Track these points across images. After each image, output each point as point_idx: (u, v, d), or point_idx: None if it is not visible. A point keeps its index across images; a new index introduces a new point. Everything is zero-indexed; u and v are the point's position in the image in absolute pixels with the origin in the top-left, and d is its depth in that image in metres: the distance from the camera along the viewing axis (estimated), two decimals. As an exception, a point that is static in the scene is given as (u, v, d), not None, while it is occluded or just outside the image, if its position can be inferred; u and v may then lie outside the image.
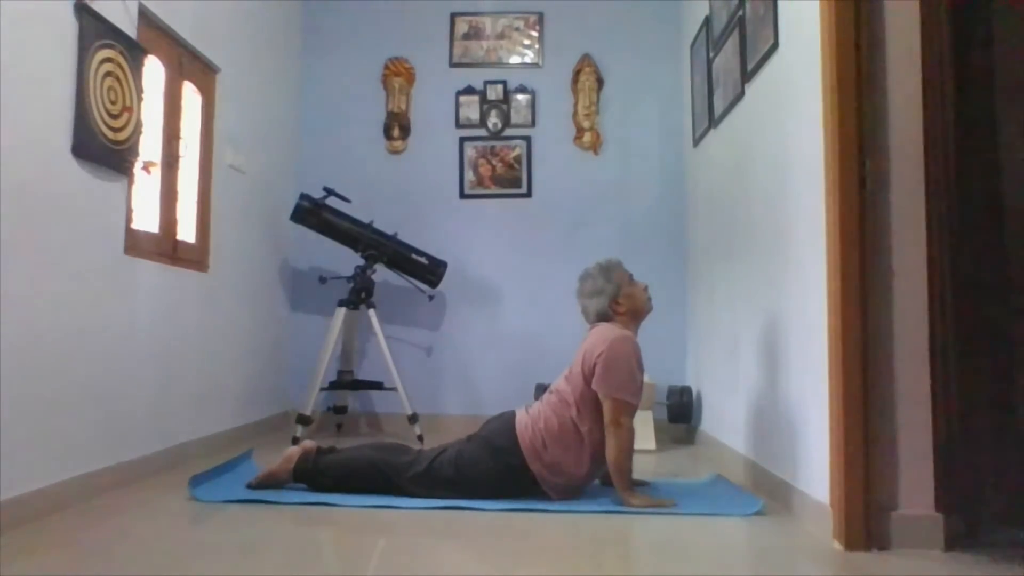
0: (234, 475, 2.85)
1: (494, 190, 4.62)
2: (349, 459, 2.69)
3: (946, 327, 2.08)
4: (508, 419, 2.67)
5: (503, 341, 4.51)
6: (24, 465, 2.23)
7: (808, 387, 2.36)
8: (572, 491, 2.62)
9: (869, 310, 2.08)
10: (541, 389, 3.57)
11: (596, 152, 4.60)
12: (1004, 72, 2.14)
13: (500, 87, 4.64)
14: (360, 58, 4.70)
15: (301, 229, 4.17)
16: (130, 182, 2.85)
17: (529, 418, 2.63)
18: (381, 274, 4.20)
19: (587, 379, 2.58)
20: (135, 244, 2.89)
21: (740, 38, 3.12)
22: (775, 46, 2.69)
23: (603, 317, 2.74)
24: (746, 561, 2.09)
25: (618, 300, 2.73)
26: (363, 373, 4.41)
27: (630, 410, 2.58)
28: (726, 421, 3.47)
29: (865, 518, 2.02)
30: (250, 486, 2.64)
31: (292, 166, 4.60)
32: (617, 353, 2.57)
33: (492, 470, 2.56)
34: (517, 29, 4.71)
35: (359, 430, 4.47)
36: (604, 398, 2.55)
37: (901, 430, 2.08)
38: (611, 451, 2.53)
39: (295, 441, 3.63)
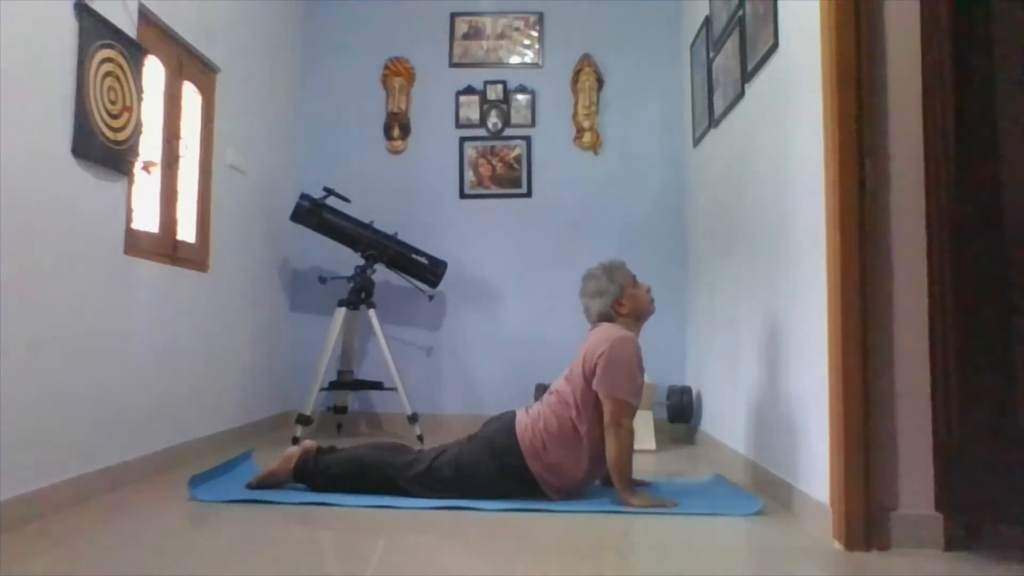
0: (234, 475, 2.85)
1: (494, 190, 4.62)
2: (349, 459, 2.70)
3: (946, 327, 2.08)
4: (508, 420, 2.67)
5: (503, 341, 4.51)
6: (24, 465, 2.23)
7: (808, 387, 2.36)
8: (572, 492, 2.62)
9: (869, 310, 2.08)
10: (541, 389, 3.57)
11: (596, 152, 4.60)
12: (1004, 72, 2.14)
13: (500, 87, 4.64)
14: (360, 58, 4.70)
15: (301, 229, 4.17)
16: (130, 182, 2.85)
17: (529, 419, 2.63)
18: (381, 274, 4.20)
19: (587, 379, 2.58)
20: (135, 244, 2.89)
21: (740, 38, 3.12)
22: (775, 46, 2.69)
23: (605, 317, 2.73)
24: (746, 561, 2.09)
25: (621, 301, 2.72)
26: (363, 373, 4.41)
27: (630, 410, 2.58)
28: (726, 421, 3.47)
29: (865, 518, 2.02)
30: (250, 486, 2.64)
31: (292, 166, 4.59)
32: (618, 353, 2.57)
33: (492, 471, 2.56)
34: (517, 29, 4.71)
35: (359, 430, 4.46)
36: (604, 398, 2.55)
37: (901, 430, 2.08)
38: (611, 451, 2.53)
39: (295, 441, 3.63)
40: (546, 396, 2.71)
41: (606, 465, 2.57)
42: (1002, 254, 2.10)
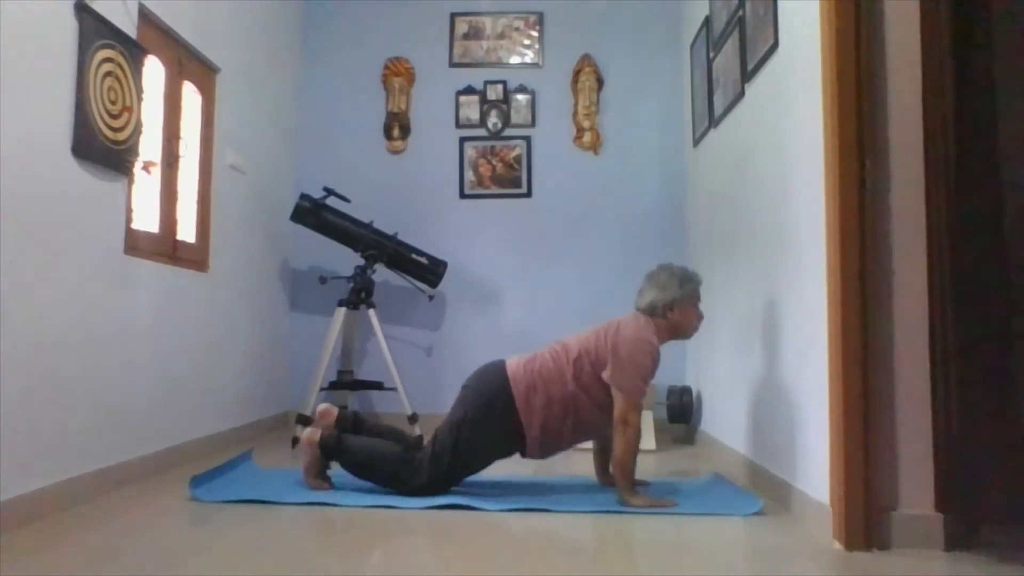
0: (234, 475, 2.85)
1: (494, 190, 4.62)
2: (368, 449, 2.72)
3: (946, 327, 2.08)
4: (498, 364, 2.76)
5: (503, 341, 4.49)
6: (24, 465, 2.23)
7: (808, 387, 2.36)
8: (549, 448, 2.72)
9: (869, 310, 2.08)
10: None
11: (596, 152, 4.60)
12: (1004, 72, 2.14)
13: (500, 87, 4.64)
14: (360, 58, 4.70)
15: (301, 229, 4.17)
16: (130, 182, 2.85)
17: (522, 361, 2.72)
18: (381, 274, 4.20)
19: (597, 356, 2.64)
20: (135, 244, 2.89)
21: (740, 38, 3.12)
22: (775, 46, 2.69)
23: (650, 310, 2.74)
24: (746, 561, 2.09)
25: (672, 308, 2.73)
26: (363, 373, 4.41)
27: (638, 409, 2.61)
28: (726, 421, 3.47)
29: (865, 518, 2.03)
30: (315, 486, 2.69)
31: (292, 166, 4.59)
32: (635, 354, 2.61)
33: (485, 427, 2.63)
34: (517, 29, 4.71)
35: (359, 430, 4.46)
36: (616, 392, 2.59)
37: (901, 430, 2.08)
38: (618, 449, 2.57)
39: (295, 442, 3.63)
40: (552, 344, 2.78)
41: (585, 437, 2.74)
42: (1002, 254, 2.11)
